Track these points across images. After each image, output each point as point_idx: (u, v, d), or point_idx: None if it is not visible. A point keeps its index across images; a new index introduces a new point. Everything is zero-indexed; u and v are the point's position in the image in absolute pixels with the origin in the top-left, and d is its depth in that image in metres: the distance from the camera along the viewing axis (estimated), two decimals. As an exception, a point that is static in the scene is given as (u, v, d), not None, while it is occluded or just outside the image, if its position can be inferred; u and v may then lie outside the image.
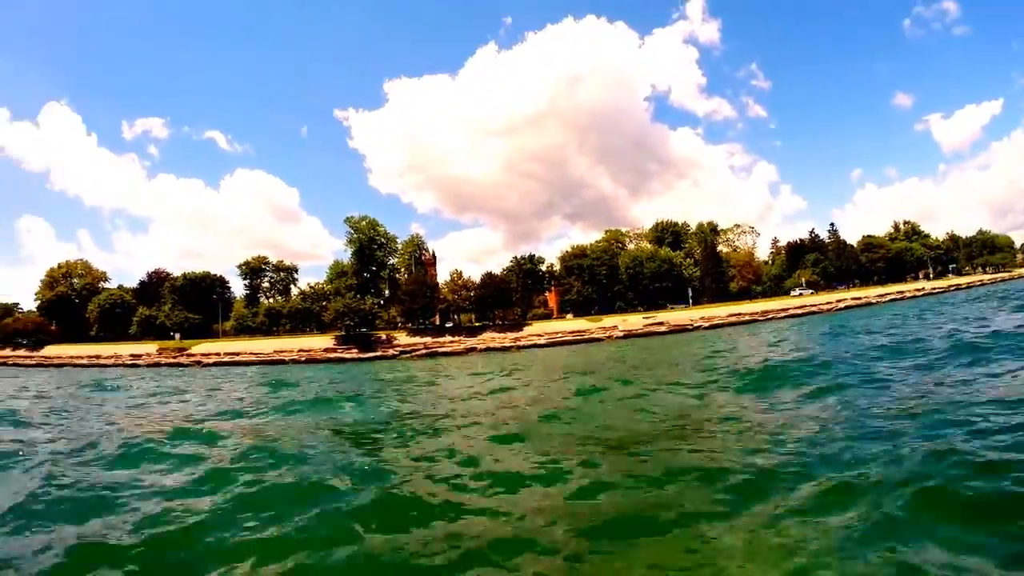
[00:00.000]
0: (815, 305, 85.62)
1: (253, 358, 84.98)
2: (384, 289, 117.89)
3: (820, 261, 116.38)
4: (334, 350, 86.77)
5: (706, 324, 78.92)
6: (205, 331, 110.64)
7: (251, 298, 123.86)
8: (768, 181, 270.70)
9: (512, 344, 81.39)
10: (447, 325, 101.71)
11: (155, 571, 6.21)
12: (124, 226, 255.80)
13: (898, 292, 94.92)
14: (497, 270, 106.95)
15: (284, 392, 27.42)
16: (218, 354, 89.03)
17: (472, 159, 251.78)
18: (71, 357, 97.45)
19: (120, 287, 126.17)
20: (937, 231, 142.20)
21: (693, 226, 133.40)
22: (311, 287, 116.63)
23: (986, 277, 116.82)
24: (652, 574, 5.50)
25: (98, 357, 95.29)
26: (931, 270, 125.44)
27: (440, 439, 12.78)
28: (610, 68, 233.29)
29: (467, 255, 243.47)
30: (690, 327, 78.22)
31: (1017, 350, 15.86)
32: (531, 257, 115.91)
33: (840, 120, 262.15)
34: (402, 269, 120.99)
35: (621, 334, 79.15)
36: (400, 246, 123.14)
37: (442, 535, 6.71)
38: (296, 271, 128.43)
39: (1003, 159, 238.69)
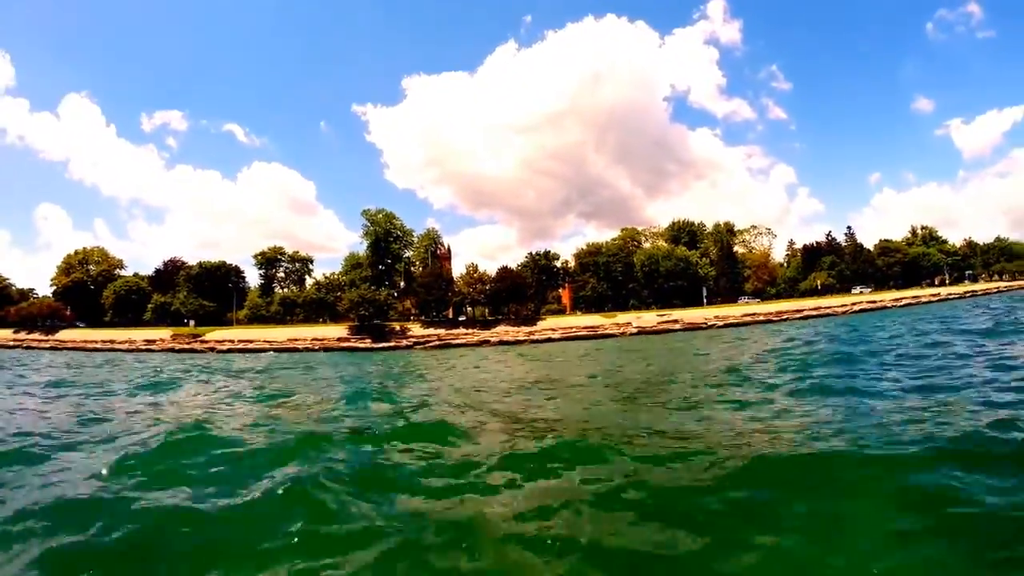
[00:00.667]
0: (829, 307, 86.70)
1: (267, 345, 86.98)
2: (399, 281, 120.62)
3: (836, 264, 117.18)
4: (348, 339, 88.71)
5: (720, 323, 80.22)
6: (219, 319, 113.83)
7: (266, 288, 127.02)
8: (786, 183, 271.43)
9: (526, 338, 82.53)
10: (460, 318, 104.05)
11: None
12: (141, 216, 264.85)
13: (913, 296, 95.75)
14: (512, 266, 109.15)
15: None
16: (232, 341, 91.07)
17: (489, 156, 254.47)
18: (85, 341, 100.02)
19: (136, 275, 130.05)
20: (955, 237, 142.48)
21: (710, 226, 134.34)
22: (326, 277, 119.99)
23: (1002, 284, 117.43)
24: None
25: (112, 342, 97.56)
26: (947, 276, 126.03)
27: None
28: (630, 67, 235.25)
29: (482, 251, 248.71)
30: (704, 325, 79.58)
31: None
32: (546, 253, 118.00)
33: (860, 124, 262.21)
34: (417, 262, 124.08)
35: (635, 331, 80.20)
36: (416, 240, 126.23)
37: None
38: (311, 262, 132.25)
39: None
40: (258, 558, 5.89)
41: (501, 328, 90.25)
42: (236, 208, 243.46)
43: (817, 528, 6.04)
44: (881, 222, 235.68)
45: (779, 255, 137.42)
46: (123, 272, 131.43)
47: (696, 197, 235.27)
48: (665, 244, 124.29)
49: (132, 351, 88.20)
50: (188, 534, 6.51)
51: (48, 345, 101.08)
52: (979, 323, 32.43)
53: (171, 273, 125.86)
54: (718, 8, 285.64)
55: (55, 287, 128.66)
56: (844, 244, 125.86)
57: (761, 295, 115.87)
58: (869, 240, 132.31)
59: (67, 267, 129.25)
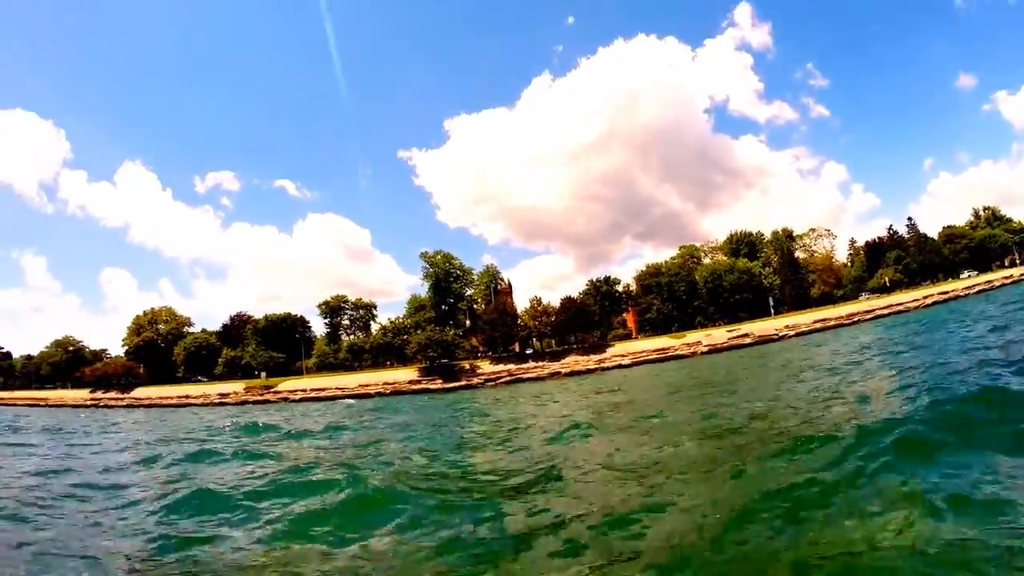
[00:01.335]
0: (901, 304, 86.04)
1: (339, 392, 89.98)
2: (463, 320, 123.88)
3: (902, 258, 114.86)
4: (418, 381, 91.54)
5: (792, 333, 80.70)
6: (287, 370, 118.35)
7: (332, 336, 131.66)
8: (838, 181, 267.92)
9: (596, 366, 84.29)
10: (527, 352, 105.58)
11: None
12: (203, 274, 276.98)
13: (986, 282, 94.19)
14: (572, 294, 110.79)
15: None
16: (304, 390, 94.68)
17: (537, 187, 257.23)
18: (161, 398, 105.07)
19: (204, 330, 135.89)
20: (1018, 214, 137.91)
21: (768, 234, 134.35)
22: (392, 322, 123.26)
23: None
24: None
25: (187, 397, 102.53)
26: (1016, 256, 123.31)
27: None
28: (666, 84, 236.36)
29: (540, 282, 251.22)
30: (776, 337, 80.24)
31: None
32: (607, 279, 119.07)
33: (904, 110, 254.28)
34: (479, 299, 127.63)
35: (705, 349, 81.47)
36: (476, 277, 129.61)
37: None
38: (375, 307, 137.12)
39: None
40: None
41: (570, 358, 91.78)
42: (294, 260, 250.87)
43: None
44: (941, 208, 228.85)
45: (841, 256, 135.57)
46: (191, 329, 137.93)
47: (748, 206, 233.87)
48: (725, 258, 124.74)
49: (206, 405, 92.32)
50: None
51: (125, 403, 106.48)
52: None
53: (238, 327, 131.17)
54: (745, 14, 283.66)
55: (127, 347, 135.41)
56: (907, 236, 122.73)
57: (829, 299, 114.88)
58: (932, 229, 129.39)
59: (137, 327, 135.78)
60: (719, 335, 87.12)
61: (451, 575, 7.18)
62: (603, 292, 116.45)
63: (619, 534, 7.68)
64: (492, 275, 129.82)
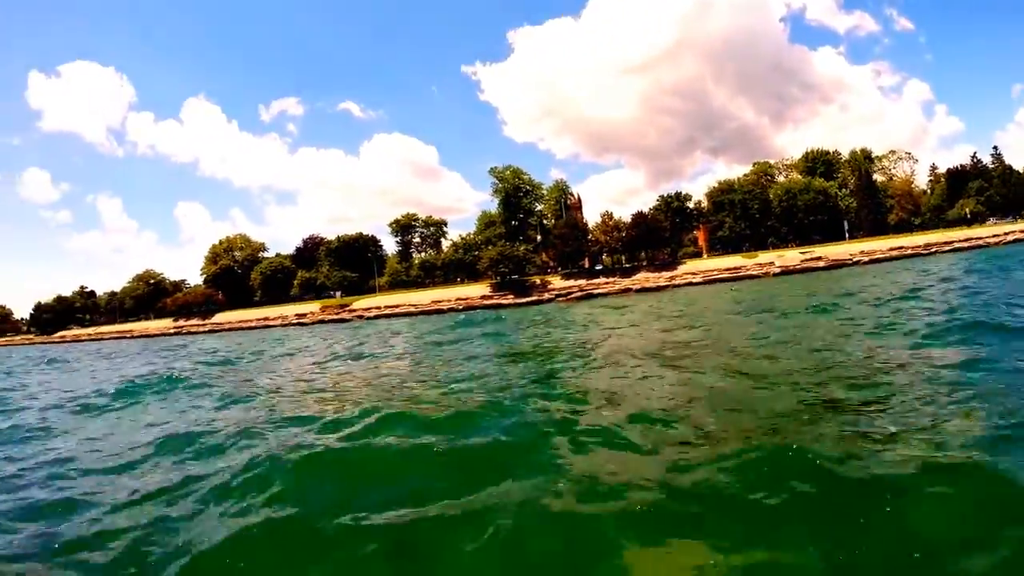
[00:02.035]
0: (981, 238, 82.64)
1: (412, 309, 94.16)
2: (533, 236, 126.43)
3: (984, 189, 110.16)
4: (490, 297, 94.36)
5: (866, 259, 79.33)
6: (361, 288, 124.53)
7: (403, 254, 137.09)
8: (921, 101, 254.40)
9: (667, 283, 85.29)
10: (597, 267, 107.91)
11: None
12: (273, 200, 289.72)
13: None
14: (642, 210, 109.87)
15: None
16: (379, 308, 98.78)
17: (606, 99, 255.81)
18: (240, 321, 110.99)
19: (278, 255, 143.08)
20: None
21: (845, 154, 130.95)
22: (462, 238, 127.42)
23: None
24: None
25: (266, 319, 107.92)
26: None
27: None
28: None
29: (610, 197, 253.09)
30: (849, 261, 79.38)
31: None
32: (678, 195, 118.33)
33: (995, 28, 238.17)
34: (549, 215, 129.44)
35: (778, 270, 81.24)
36: (545, 192, 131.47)
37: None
38: (445, 225, 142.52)
39: None
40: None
41: (641, 275, 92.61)
42: (362, 181, 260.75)
43: None
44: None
45: (921, 182, 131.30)
46: (266, 254, 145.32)
47: (825, 123, 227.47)
48: (800, 177, 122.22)
49: (285, 325, 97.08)
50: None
51: (207, 329, 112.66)
52: None
53: (311, 249, 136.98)
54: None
55: (205, 275, 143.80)
56: (991, 166, 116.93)
57: (907, 226, 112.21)
58: (1018, 161, 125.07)
59: (214, 256, 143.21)
60: (792, 256, 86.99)
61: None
62: (674, 208, 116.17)
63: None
64: (561, 190, 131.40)
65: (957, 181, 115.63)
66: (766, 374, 11.17)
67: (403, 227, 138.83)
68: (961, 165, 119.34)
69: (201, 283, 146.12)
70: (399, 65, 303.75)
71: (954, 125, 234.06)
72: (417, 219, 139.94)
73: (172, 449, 9.50)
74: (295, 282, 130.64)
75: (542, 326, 32.50)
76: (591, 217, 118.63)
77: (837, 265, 78.56)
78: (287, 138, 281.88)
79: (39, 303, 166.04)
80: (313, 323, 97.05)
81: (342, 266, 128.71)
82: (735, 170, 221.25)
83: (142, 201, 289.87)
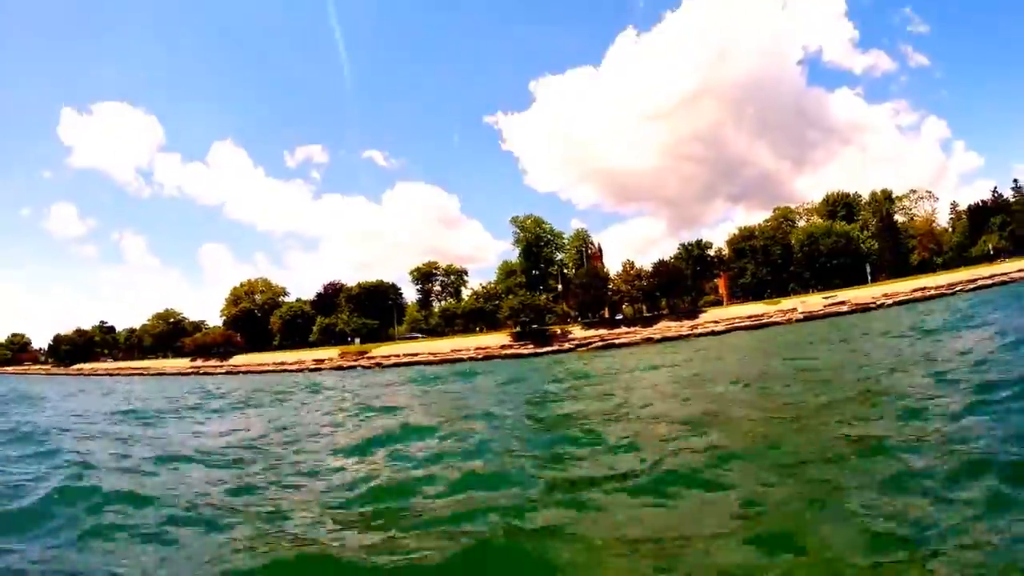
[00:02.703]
0: (1006, 274, 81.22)
1: (432, 358, 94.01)
2: (554, 285, 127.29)
3: (1007, 224, 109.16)
4: (511, 346, 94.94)
5: (889, 301, 79.18)
6: (380, 336, 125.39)
7: (424, 302, 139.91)
8: (939, 138, 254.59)
9: (688, 332, 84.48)
10: (617, 317, 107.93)
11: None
12: (296, 245, 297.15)
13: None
14: (663, 259, 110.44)
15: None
16: (397, 355, 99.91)
17: (627, 148, 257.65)
18: (258, 365, 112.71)
19: (298, 300, 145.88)
20: None
21: (865, 195, 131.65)
22: (483, 287, 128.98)
23: None
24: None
25: (283, 364, 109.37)
26: None
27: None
28: (756, 34, 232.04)
29: (630, 246, 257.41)
30: (872, 305, 79.28)
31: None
32: (698, 242, 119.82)
33: (1010, 60, 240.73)
34: (570, 264, 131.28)
35: (800, 316, 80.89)
36: (566, 242, 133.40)
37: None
38: (466, 273, 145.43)
39: None
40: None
41: (663, 324, 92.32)
42: (385, 229, 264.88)
43: None
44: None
45: (943, 219, 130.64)
46: (286, 298, 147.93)
47: (845, 164, 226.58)
48: (821, 220, 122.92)
49: (302, 371, 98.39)
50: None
51: (223, 370, 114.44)
52: None
53: (332, 296, 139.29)
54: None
55: (224, 317, 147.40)
56: (1012, 200, 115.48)
57: (928, 266, 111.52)
58: None
59: (235, 298, 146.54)
60: (814, 302, 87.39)
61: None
62: (695, 256, 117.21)
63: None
64: (582, 239, 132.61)
65: (978, 217, 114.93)
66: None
67: (423, 275, 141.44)
68: (982, 201, 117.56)
69: (221, 324, 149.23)
70: (422, 115, 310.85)
71: (973, 160, 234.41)
72: (438, 267, 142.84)
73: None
74: (314, 328, 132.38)
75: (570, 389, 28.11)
76: (612, 266, 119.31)
77: (860, 309, 78.46)
78: (311, 184, 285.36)
79: (58, 335, 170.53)
80: (331, 369, 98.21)
81: (362, 313, 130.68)
82: (755, 216, 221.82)
83: (167, 240, 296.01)
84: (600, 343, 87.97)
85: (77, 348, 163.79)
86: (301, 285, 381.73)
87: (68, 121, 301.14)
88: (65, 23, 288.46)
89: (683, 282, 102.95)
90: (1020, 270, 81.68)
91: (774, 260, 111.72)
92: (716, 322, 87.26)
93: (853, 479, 7.83)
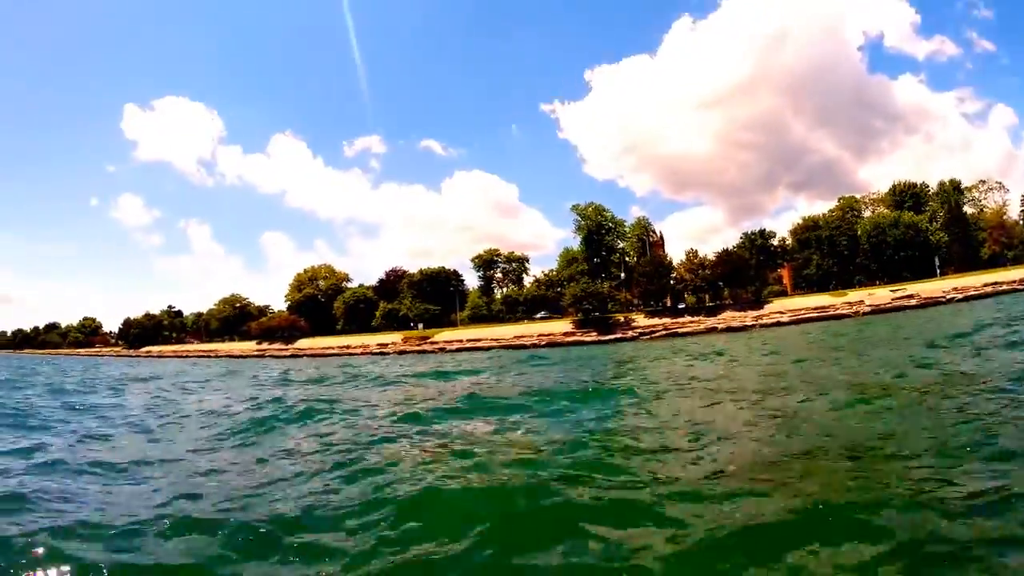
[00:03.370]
0: None
1: (494, 343, 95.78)
2: (616, 273, 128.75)
3: None
4: (573, 333, 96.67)
5: (959, 296, 77.73)
6: (442, 321, 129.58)
7: (485, 289, 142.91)
8: (1007, 126, 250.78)
9: (753, 323, 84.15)
10: (680, 306, 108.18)
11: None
12: (356, 233, 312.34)
13: None
14: (725, 247, 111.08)
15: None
16: (460, 341, 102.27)
17: (685, 136, 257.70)
18: (323, 348, 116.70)
19: (361, 285, 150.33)
20: None
21: (933, 185, 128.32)
22: (545, 274, 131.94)
23: None
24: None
25: (348, 347, 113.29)
26: None
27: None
28: (815, 19, 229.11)
29: (690, 235, 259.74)
30: (943, 299, 77.91)
31: None
32: (762, 231, 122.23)
33: None
34: (631, 252, 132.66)
35: (868, 309, 79.70)
36: (627, 230, 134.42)
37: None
38: (527, 261, 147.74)
39: None
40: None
41: (727, 314, 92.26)
42: (444, 216, 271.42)
43: None
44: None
45: (1014, 211, 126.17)
46: (349, 284, 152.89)
47: (910, 154, 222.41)
48: (887, 211, 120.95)
49: (366, 354, 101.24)
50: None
51: (288, 353, 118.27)
52: None
53: (394, 281, 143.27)
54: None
55: (289, 302, 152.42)
56: None
57: (999, 260, 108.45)
58: None
59: (298, 284, 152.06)
60: (882, 295, 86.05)
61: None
62: (757, 245, 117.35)
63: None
64: (643, 227, 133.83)
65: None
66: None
67: (485, 262, 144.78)
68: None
69: (285, 309, 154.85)
70: (479, 105, 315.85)
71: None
72: (499, 255, 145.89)
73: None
74: (377, 313, 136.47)
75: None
76: (672, 255, 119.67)
77: (929, 303, 76.99)
78: (370, 173, 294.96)
79: (128, 319, 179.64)
80: (395, 353, 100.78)
81: (424, 299, 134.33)
82: (817, 206, 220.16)
83: (230, 228, 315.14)
84: (664, 332, 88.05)
85: (146, 331, 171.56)
86: (362, 271, 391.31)
87: (131, 117, 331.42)
88: (123, 22, 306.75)
89: (747, 272, 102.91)
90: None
91: (840, 251, 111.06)
92: (781, 312, 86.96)
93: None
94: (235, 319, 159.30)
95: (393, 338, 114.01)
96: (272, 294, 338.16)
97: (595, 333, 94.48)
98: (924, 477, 7.88)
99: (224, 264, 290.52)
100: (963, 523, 6.15)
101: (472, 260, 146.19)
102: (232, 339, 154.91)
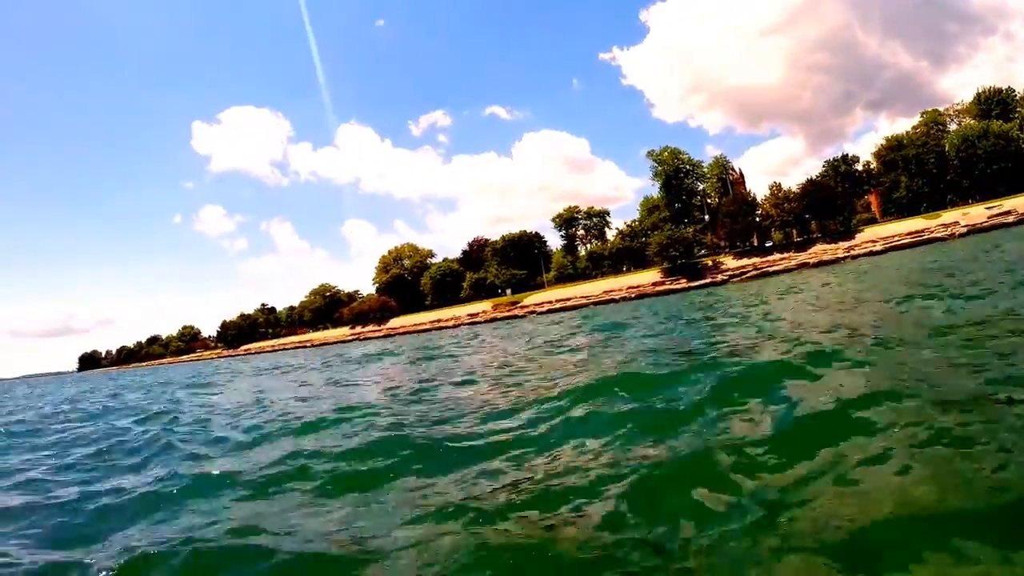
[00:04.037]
0: None
1: (584, 301, 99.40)
2: (699, 216, 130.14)
3: None
4: (662, 283, 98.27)
5: None
6: (528, 285, 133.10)
7: (569, 247, 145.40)
8: None
9: (846, 254, 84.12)
10: (767, 244, 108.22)
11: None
12: (434, 208, 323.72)
13: None
14: (810, 177, 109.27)
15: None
16: (550, 302, 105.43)
17: (752, 65, 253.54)
18: (415, 325, 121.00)
19: (445, 259, 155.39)
20: None
21: (1020, 89, 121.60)
22: (628, 225, 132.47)
23: None
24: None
25: (439, 321, 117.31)
26: None
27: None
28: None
29: (769, 170, 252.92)
30: None
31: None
32: (844, 157, 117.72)
33: None
34: (712, 193, 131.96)
35: (964, 230, 77.98)
36: (706, 170, 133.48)
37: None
38: (608, 214, 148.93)
39: None
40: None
41: (818, 247, 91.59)
42: (517, 181, 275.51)
43: None
44: None
45: None
46: (433, 260, 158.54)
47: (991, 58, 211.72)
48: (974, 122, 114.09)
49: (459, 326, 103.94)
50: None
51: (382, 333, 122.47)
52: None
53: (477, 251, 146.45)
54: None
55: (377, 285, 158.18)
56: None
57: None
58: None
59: (384, 266, 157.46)
60: (977, 213, 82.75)
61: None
62: (842, 173, 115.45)
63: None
64: (722, 165, 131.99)
65: None
66: None
67: (566, 221, 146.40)
68: None
69: (374, 292, 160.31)
70: (536, 63, 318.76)
71: None
72: (579, 211, 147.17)
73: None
74: (464, 284, 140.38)
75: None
76: (754, 191, 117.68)
77: None
78: (440, 148, 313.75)
79: (225, 321, 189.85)
80: (486, 321, 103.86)
81: (509, 265, 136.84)
82: (899, 124, 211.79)
83: (311, 222, 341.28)
84: (754, 272, 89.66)
85: (242, 331, 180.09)
86: (445, 245, 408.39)
87: (199, 133, 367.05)
88: (176, 44, 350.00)
89: (834, 201, 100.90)
90: None
91: (928, 170, 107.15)
92: (873, 242, 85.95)
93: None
94: (327, 308, 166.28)
95: (483, 307, 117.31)
96: (360, 279, 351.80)
97: (684, 280, 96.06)
98: None
99: (310, 258, 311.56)
100: None
101: (552, 220, 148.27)
102: (326, 327, 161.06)
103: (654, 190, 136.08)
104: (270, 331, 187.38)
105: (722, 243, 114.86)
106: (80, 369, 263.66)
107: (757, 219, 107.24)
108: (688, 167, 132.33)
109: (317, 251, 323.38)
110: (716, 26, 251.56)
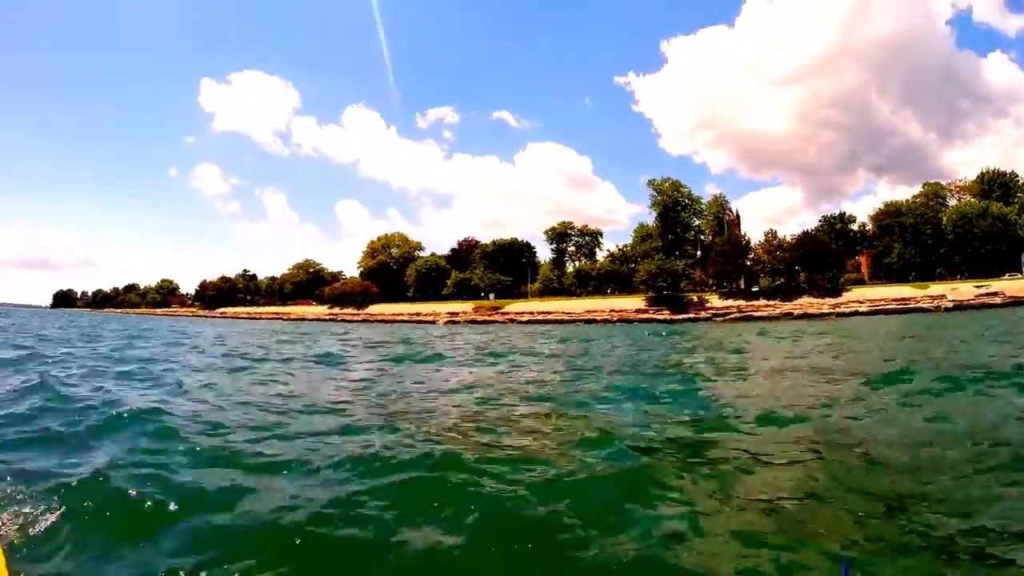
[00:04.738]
0: None
1: (565, 317, 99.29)
2: (691, 251, 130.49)
3: None
4: (646, 311, 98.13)
5: None
6: (512, 293, 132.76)
7: (557, 262, 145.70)
8: None
9: (830, 311, 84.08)
10: (754, 289, 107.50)
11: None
12: (429, 202, 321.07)
13: None
14: (807, 230, 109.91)
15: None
16: (531, 313, 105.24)
17: (763, 111, 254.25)
18: (393, 315, 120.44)
19: (433, 254, 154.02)
20: None
21: (1022, 175, 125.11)
22: (619, 249, 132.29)
23: None
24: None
25: (418, 314, 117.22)
26: None
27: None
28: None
29: (766, 216, 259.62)
30: None
31: None
32: (842, 215, 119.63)
33: None
34: (707, 231, 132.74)
35: (950, 304, 78.04)
36: (704, 207, 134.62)
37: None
38: (601, 235, 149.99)
39: None
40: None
41: (804, 300, 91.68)
42: (516, 188, 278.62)
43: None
44: None
45: None
46: (421, 253, 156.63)
47: (999, 140, 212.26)
48: (974, 200, 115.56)
49: (435, 323, 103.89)
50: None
51: (360, 318, 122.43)
52: None
53: (466, 251, 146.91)
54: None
55: (361, 269, 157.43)
56: None
57: None
58: None
59: (372, 251, 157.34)
60: (966, 290, 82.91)
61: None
62: (837, 230, 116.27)
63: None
64: (720, 205, 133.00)
65: None
66: None
67: (559, 235, 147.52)
68: None
69: (357, 275, 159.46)
70: (552, 76, 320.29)
71: None
72: (573, 228, 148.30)
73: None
74: (448, 282, 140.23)
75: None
76: (748, 235, 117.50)
77: (1016, 302, 74.58)
78: (443, 144, 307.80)
79: (204, 281, 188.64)
80: (465, 322, 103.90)
81: (495, 270, 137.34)
82: (899, 192, 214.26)
83: (305, 196, 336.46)
84: (738, 314, 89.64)
85: (221, 293, 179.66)
86: (434, 241, 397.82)
87: (207, 91, 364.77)
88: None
89: (827, 257, 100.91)
90: None
91: (923, 240, 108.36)
92: (860, 302, 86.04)
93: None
94: (308, 283, 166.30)
95: (464, 307, 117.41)
96: (345, 261, 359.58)
97: (668, 311, 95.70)
98: None
99: (299, 231, 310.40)
100: None
101: (545, 233, 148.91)
102: (306, 303, 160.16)
103: (649, 218, 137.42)
104: (249, 298, 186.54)
105: (710, 281, 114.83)
106: (53, 306, 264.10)
107: (748, 262, 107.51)
108: (687, 201, 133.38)
109: (307, 226, 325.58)
110: (734, 67, 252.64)
